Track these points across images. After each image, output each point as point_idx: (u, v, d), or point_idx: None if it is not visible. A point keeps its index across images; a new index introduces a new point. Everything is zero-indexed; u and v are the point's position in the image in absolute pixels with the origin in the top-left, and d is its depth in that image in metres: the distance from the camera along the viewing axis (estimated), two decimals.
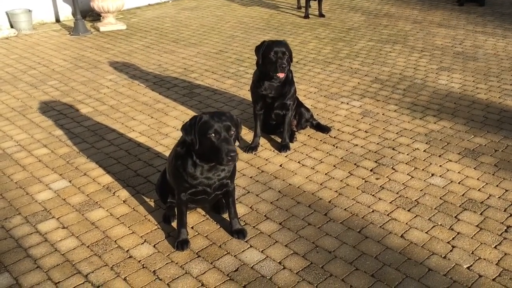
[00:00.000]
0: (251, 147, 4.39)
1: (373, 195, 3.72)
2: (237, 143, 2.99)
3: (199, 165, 2.98)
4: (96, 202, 3.70)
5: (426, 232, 3.30)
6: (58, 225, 3.43)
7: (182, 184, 3.06)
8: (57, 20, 9.24)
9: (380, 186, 3.84)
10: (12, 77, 6.33)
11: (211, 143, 2.82)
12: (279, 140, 4.54)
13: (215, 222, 3.44)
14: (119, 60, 6.95)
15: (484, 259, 3.06)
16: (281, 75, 4.15)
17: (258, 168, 4.13)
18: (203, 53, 7.17)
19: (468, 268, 2.99)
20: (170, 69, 6.53)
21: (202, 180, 3.03)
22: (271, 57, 4.11)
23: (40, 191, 3.84)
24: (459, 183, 3.85)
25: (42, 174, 4.08)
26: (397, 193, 3.74)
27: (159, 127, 4.89)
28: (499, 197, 3.66)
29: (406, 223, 3.40)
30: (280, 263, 3.06)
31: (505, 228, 3.33)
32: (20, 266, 3.06)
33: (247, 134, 4.67)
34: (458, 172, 3.99)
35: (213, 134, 2.81)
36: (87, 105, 5.44)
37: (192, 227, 3.38)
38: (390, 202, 3.63)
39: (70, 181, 3.97)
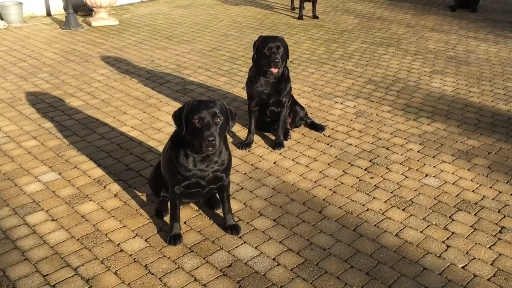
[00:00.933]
0: (245, 144, 4.34)
1: (367, 194, 3.70)
2: (230, 138, 2.96)
3: (190, 155, 2.94)
4: (87, 195, 3.62)
5: (420, 232, 3.28)
6: (47, 218, 3.36)
7: (175, 176, 3.01)
8: (48, 14, 9.12)
9: (375, 185, 3.82)
10: (1, 69, 6.21)
11: (194, 127, 2.80)
12: (273, 137, 4.50)
13: (208, 218, 3.39)
14: (111, 55, 6.86)
15: (479, 259, 3.04)
16: (274, 71, 4.10)
17: (252, 164, 4.09)
18: (196, 51, 7.12)
19: (463, 267, 2.97)
20: (162, 65, 6.47)
21: (196, 172, 2.98)
22: (265, 52, 4.07)
23: (29, 183, 3.75)
24: (453, 184, 3.84)
25: (31, 166, 3.99)
26: (392, 192, 3.73)
27: (152, 122, 4.82)
28: (492, 199, 3.65)
29: (401, 222, 3.38)
30: (274, 259, 3.02)
31: (499, 229, 3.32)
32: (7, 257, 2.97)
33: (241, 131, 4.63)
34: (452, 173, 3.99)
35: (197, 120, 2.78)
36: (78, 98, 5.35)
37: (185, 222, 3.33)
38: (385, 201, 3.61)
39: (60, 174, 3.89)
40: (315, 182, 3.85)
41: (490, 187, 3.80)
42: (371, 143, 4.46)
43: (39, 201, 3.53)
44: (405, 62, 6.71)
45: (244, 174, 3.94)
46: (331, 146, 4.41)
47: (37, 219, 3.34)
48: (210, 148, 2.78)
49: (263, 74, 4.18)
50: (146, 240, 3.16)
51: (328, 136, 4.59)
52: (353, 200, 3.62)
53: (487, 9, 10.00)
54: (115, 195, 3.63)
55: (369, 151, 4.32)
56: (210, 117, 2.79)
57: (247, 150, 4.31)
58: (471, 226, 3.35)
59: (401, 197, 3.67)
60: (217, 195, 3.36)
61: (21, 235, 3.17)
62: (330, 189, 3.75)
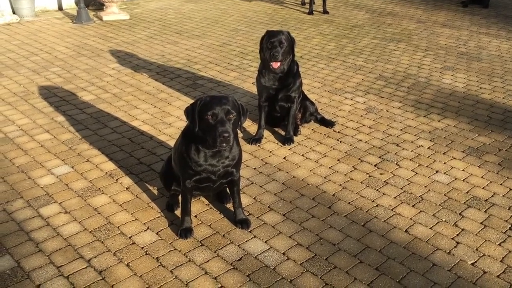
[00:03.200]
0: (255, 139, 4.37)
1: (377, 190, 3.71)
2: (240, 133, 2.97)
3: (201, 150, 2.97)
4: (99, 188, 3.67)
5: (430, 228, 3.29)
6: (60, 210, 3.41)
7: (186, 171, 3.04)
8: (60, 8, 9.18)
9: (384, 181, 3.83)
10: (14, 63, 6.28)
11: (207, 124, 2.81)
12: (282, 133, 4.52)
13: (219, 212, 3.42)
14: (122, 49, 6.91)
15: (489, 255, 3.05)
16: (275, 66, 4.10)
17: (262, 159, 4.11)
18: (206, 45, 7.14)
19: (472, 264, 2.98)
20: (173, 60, 6.50)
21: (206, 167, 3.01)
22: (268, 46, 4.08)
23: (42, 176, 3.80)
24: (463, 180, 3.84)
25: (44, 159, 4.04)
26: (401, 188, 3.73)
27: (163, 116, 4.86)
28: (503, 196, 3.65)
29: (411, 218, 3.39)
30: (284, 254, 3.04)
31: (510, 226, 3.32)
32: (21, 249, 3.03)
33: (251, 126, 4.65)
34: (463, 170, 3.98)
35: (211, 116, 2.80)
36: (89, 92, 5.40)
37: (195, 216, 3.36)
38: (394, 197, 3.62)
39: (72, 167, 3.94)
40: (324, 177, 3.86)
41: (501, 184, 3.79)
42: (381, 139, 4.46)
43: (52, 194, 3.58)
44: (415, 58, 6.68)
45: (254, 169, 3.97)
46: (341, 141, 4.42)
47: (51, 211, 3.39)
48: (224, 144, 2.80)
49: (269, 69, 4.18)
50: (157, 233, 3.20)
51: (338, 132, 4.60)
52: (362, 196, 3.63)
53: (499, 5, 9.91)
54: (126, 188, 3.67)
55: (379, 147, 4.32)
56: (223, 113, 2.81)
57: (257, 145, 4.33)
58: (481, 223, 3.35)
59: (411, 193, 3.68)
60: (227, 189, 3.38)
61: (35, 227, 3.23)
62: (340, 185, 3.77)
